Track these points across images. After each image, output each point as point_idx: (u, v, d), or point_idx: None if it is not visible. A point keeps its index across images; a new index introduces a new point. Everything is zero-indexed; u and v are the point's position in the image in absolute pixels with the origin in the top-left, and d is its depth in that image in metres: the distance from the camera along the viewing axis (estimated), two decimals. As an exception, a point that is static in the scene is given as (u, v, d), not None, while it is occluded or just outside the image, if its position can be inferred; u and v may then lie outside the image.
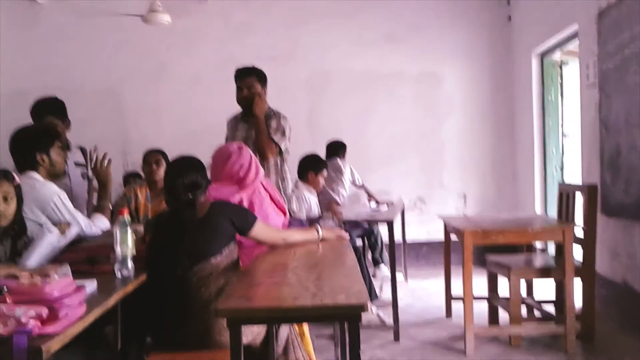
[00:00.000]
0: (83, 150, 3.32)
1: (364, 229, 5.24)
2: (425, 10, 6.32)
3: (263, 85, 3.80)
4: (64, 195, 2.74)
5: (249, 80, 3.76)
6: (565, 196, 3.84)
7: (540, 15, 5.31)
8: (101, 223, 2.90)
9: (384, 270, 5.29)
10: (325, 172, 4.66)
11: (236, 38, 6.31)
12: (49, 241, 2.31)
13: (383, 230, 5.18)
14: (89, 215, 2.96)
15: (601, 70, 4.01)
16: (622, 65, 3.70)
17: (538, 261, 4.04)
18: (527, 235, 3.62)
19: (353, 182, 5.65)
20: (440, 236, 4.54)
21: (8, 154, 2.83)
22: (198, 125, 6.07)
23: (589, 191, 3.61)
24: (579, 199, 3.70)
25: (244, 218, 2.46)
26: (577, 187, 3.86)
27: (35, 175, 2.74)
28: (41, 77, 6.15)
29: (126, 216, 2.19)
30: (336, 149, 5.57)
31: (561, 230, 3.46)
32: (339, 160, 5.51)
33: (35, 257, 2.23)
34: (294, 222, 3.05)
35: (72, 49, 6.30)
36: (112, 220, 3.27)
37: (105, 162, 3.02)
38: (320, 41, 6.34)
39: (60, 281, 1.62)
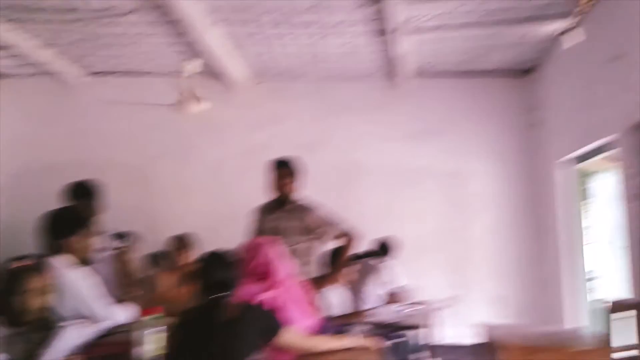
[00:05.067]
0: (117, 235, 3.28)
1: (396, 334, 4.99)
2: (451, 110, 6.37)
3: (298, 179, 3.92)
4: (91, 282, 2.67)
5: (290, 170, 3.92)
6: (605, 312, 3.63)
7: (570, 124, 5.32)
8: (127, 312, 2.80)
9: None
10: (356, 267, 4.52)
11: (265, 126, 6.39)
12: (68, 337, 2.24)
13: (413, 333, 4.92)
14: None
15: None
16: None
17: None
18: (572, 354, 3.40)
19: (389, 284, 5.33)
20: (465, 340, 4.31)
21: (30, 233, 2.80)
22: (223, 209, 6.04)
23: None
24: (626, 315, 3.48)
25: (270, 325, 2.38)
26: (630, 304, 3.63)
27: (64, 260, 2.69)
28: (71, 152, 6.25)
29: (149, 317, 2.14)
30: (385, 248, 5.35)
31: (608, 351, 3.25)
32: (382, 260, 5.26)
33: (53, 354, 2.15)
34: (324, 325, 2.92)
35: (103, 127, 6.41)
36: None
37: (128, 249, 3.00)
38: (348, 134, 6.39)
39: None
